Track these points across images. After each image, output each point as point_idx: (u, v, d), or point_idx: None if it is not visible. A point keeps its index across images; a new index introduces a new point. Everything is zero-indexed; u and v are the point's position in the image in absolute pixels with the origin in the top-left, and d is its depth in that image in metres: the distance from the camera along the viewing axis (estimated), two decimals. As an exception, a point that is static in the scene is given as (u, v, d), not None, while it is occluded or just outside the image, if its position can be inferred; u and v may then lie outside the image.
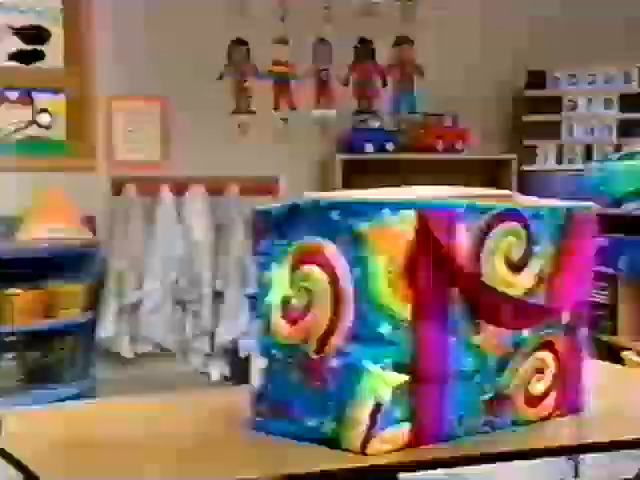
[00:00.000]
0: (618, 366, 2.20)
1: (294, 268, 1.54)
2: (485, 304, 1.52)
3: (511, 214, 1.58)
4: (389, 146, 5.27)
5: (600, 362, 2.13)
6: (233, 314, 4.94)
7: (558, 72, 5.41)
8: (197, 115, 5.07)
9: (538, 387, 1.64)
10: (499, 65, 5.48)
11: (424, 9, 5.45)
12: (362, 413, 1.45)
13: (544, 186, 5.23)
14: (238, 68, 5.25)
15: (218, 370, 5.01)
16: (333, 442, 1.48)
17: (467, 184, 5.62)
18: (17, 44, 4.73)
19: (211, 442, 1.57)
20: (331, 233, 1.49)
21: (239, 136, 5.24)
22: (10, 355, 4.29)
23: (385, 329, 1.46)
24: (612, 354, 4.13)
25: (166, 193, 4.93)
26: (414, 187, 1.75)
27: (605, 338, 4.27)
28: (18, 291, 4.29)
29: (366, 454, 1.45)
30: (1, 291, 4.21)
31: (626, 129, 5.33)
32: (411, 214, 1.47)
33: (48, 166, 4.79)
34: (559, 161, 5.43)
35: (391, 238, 1.46)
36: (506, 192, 1.79)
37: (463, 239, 1.51)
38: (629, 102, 5.35)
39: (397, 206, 1.47)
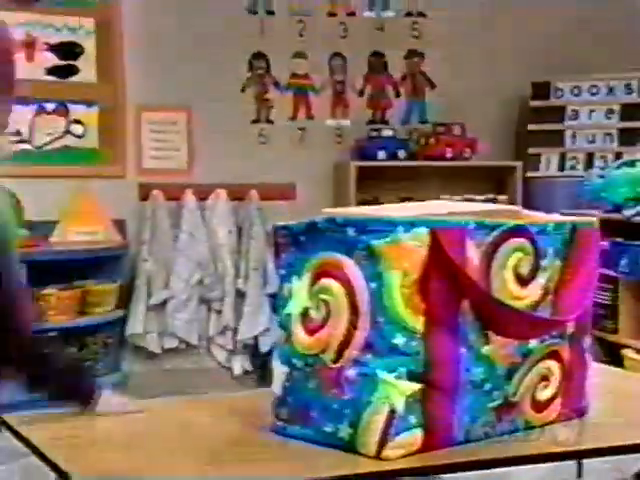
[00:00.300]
0: (620, 370, 2.18)
1: (313, 281, 1.53)
2: (494, 317, 1.51)
3: (519, 230, 1.56)
4: (401, 154, 5.24)
5: (603, 366, 2.11)
6: (254, 312, 4.93)
7: (561, 83, 5.35)
8: (220, 125, 5.06)
9: (544, 394, 1.62)
10: (505, 77, 5.44)
11: (434, 24, 5.42)
12: (377, 420, 1.45)
13: (548, 192, 5.19)
14: (259, 81, 5.24)
15: (240, 365, 5.01)
16: (349, 447, 1.47)
17: (475, 190, 5.52)
18: (53, 60, 4.74)
19: (235, 444, 1.57)
20: (348, 249, 1.48)
21: (259, 145, 5.23)
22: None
23: (399, 340, 1.45)
24: (613, 352, 4.10)
25: (191, 198, 4.93)
26: (426, 203, 1.74)
27: (606, 337, 4.23)
28: (54, 291, 4.30)
29: (381, 458, 1.44)
30: (39, 291, 4.22)
31: (626, 137, 5.24)
32: (424, 231, 1.45)
33: (81, 173, 4.80)
34: (562, 168, 5.37)
35: (405, 254, 1.45)
36: (513, 208, 1.78)
37: (473, 255, 1.50)
38: (629, 112, 5.27)
39: (411, 224, 1.46)
